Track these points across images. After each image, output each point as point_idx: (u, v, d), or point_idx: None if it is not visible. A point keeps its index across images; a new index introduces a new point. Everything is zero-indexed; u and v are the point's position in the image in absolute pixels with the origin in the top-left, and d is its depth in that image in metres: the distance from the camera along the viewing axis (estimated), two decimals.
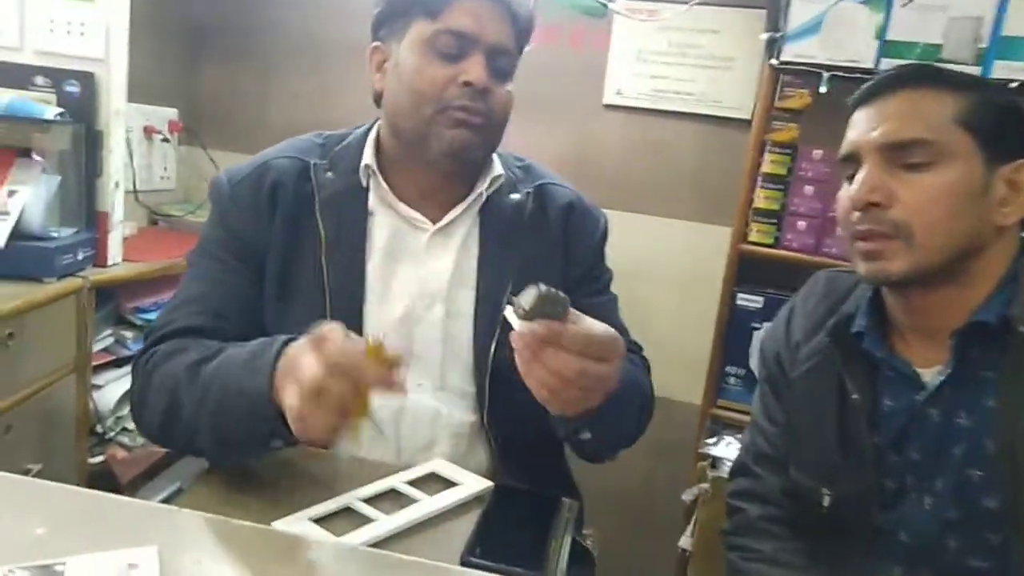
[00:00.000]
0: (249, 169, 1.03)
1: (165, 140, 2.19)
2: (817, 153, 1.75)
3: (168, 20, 2.25)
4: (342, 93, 2.24)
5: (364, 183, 1.02)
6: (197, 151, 2.30)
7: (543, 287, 0.68)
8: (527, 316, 0.68)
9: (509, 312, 0.70)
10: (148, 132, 2.17)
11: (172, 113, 2.27)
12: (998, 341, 0.84)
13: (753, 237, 1.80)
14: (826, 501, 0.95)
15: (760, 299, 1.81)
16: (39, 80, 1.63)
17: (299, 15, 2.29)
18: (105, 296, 1.75)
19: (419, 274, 1.02)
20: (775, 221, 1.79)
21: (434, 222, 1.04)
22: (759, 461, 1.07)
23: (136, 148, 2.13)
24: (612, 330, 0.70)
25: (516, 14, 0.99)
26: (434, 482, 0.91)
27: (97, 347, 1.72)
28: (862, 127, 0.88)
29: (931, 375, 0.89)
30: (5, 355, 1.39)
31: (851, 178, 0.89)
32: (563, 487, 1.10)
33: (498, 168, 1.05)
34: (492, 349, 0.99)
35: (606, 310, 1.07)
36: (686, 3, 1.87)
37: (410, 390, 0.99)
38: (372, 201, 1.02)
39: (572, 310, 0.70)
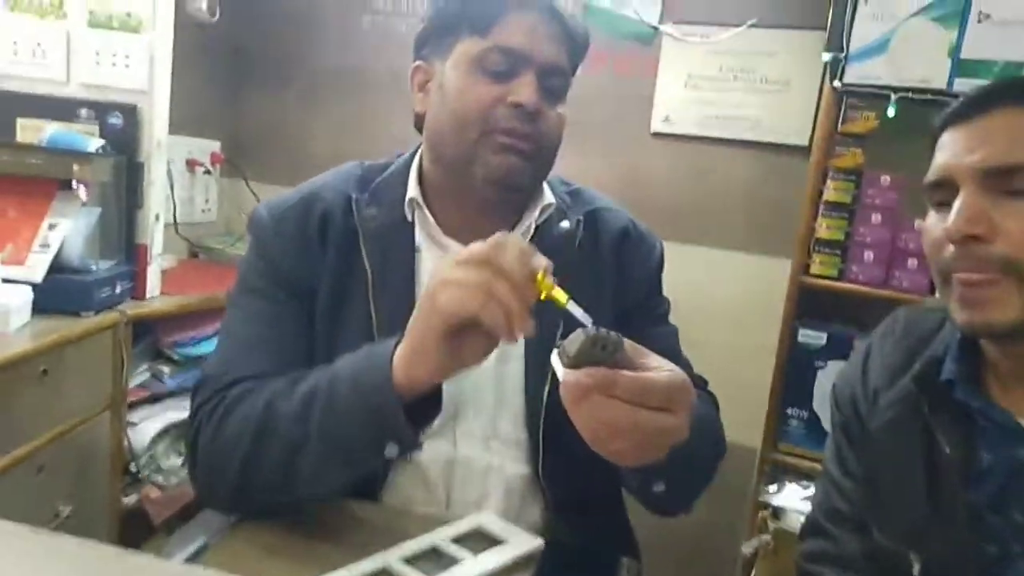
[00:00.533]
0: (295, 199, 0.97)
1: (207, 172, 2.19)
2: (885, 179, 1.65)
3: (209, 52, 2.26)
4: (386, 122, 2.22)
5: (409, 217, 0.96)
6: (239, 183, 2.29)
7: (591, 329, 0.61)
8: (573, 363, 0.61)
9: (555, 359, 0.63)
10: (191, 165, 2.17)
11: (214, 145, 2.27)
12: None
13: (815, 269, 1.71)
14: (916, 568, 0.83)
15: (823, 335, 1.70)
16: (83, 113, 1.63)
17: (340, 43, 2.29)
18: (142, 330, 1.72)
19: None
20: (839, 252, 1.69)
21: None
22: (835, 520, 0.96)
23: (178, 180, 2.13)
24: (680, 375, 0.62)
25: (570, 31, 0.92)
26: (480, 539, 0.83)
27: (133, 383, 1.69)
28: (958, 148, 0.78)
29: None
30: (40, 391, 1.36)
31: (940, 206, 0.79)
32: (622, 543, 1.01)
33: (548, 196, 0.98)
34: (545, 395, 0.91)
35: (666, 343, 0.99)
36: (740, 25, 1.80)
37: (459, 440, 0.93)
38: (419, 236, 0.96)
39: (638, 347, 0.63)
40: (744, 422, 1.85)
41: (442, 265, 0.71)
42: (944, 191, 0.79)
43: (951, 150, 0.79)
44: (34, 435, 1.37)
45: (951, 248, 0.76)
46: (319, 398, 0.77)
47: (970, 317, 0.75)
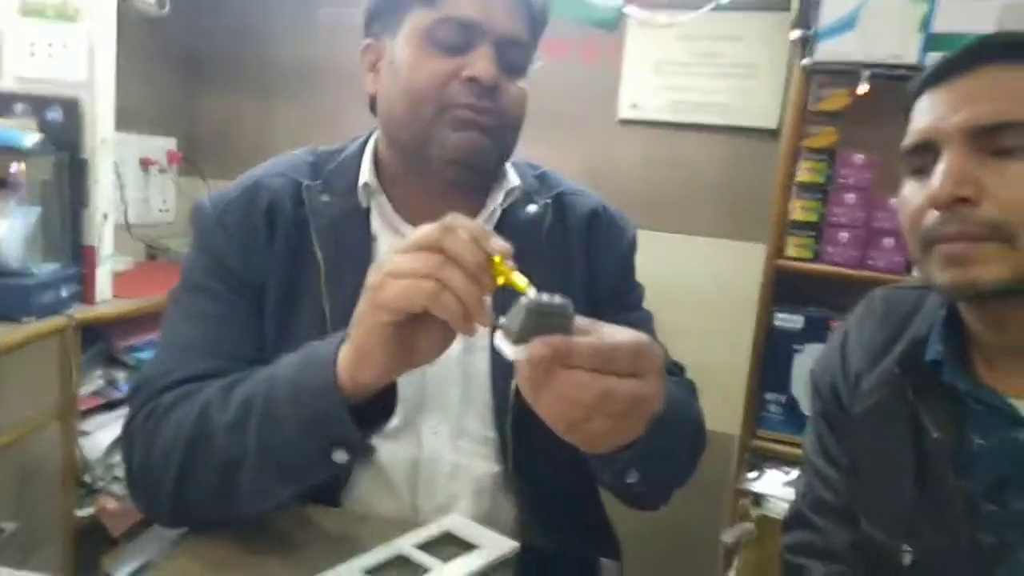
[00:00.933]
0: (238, 191, 0.90)
1: (162, 171, 2.10)
2: (858, 158, 1.62)
3: (165, 47, 2.18)
4: (347, 114, 2.15)
5: (364, 204, 0.90)
6: (197, 182, 2.20)
7: (532, 297, 0.55)
8: (520, 338, 0.54)
9: (499, 340, 0.56)
10: (145, 164, 2.08)
11: (170, 143, 2.19)
12: None
13: (790, 252, 1.67)
14: (907, 560, 0.79)
15: (800, 318, 1.67)
16: (18, 108, 1.53)
17: (297, 38, 2.22)
18: (94, 335, 1.64)
19: None
20: (814, 234, 1.66)
21: None
22: (820, 510, 0.92)
23: (132, 180, 2.04)
24: (644, 336, 0.56)
25: (527, 0, 0.87)
26: (450, 544, 0.77)
27: (85, 390, 1.60)
28: (940, 110, 0.74)
29: None
30: None
31: (918, 173, 0.75)
32: (601, 541, 0.96)
33: (513, 179, 0.93)
34: (513, 388, 0.86)
35: (641, 328, 0.95)
36: (704, 7, 1.76)
37: (424, 439, 0.88)
38: (375, 224, 0.91)
39: (590, 320, 0.57)
40: (722, 409, 1.82)
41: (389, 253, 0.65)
42: (924, 156, 0.75)
43: (932, 112, 0.75)
44: None
45: (934, 214, 0.72)
46: (256, 405, 0.71)
47: (954, 277, 0.71)
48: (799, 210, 1.65)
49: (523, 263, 0.89)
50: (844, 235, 1.64)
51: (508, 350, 0.55)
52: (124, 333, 1.69)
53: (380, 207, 0.90)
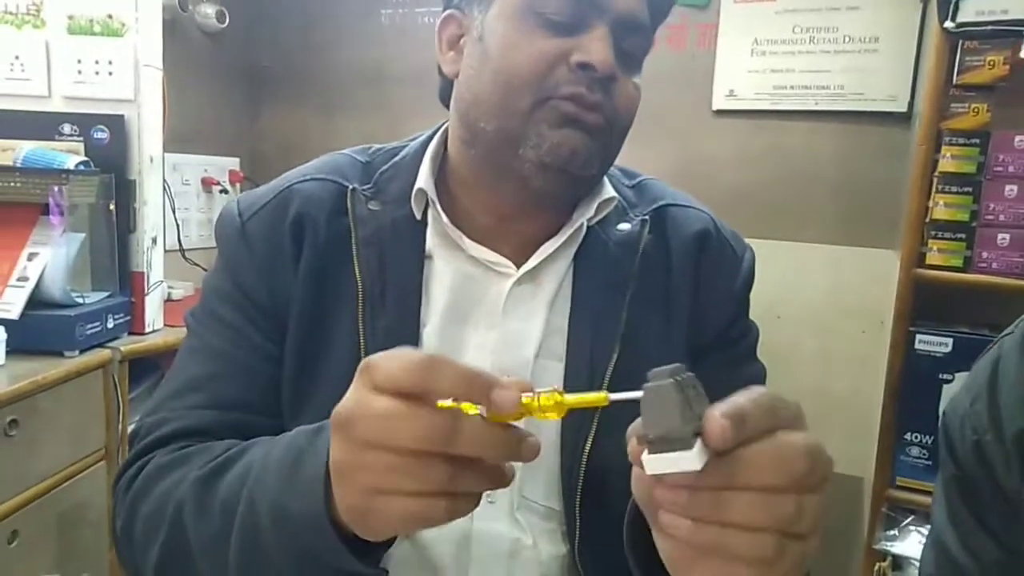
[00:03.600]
0: (268, 197, 0.76)
1: (224, 191, 2.03)
2: (1020, 140, 1.34)
3: (225, 62, 2.14)
4: (415, 121, 2.01)
5: (419, 215, 0.74)
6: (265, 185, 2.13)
7: (670, 377, 0.38)
8: (682, 440, 0.37)
9: (653, 460, 0.38)
10: (207, 183, 2.02)
11: (232, 162, 2.13)
12: None
13: (933, 259, 1.41)
14: None
15: (948, 341, 1.40)
16: (66, 128, 1.47)
17: (361, 43, 2.13)
18: (145, 367, 1.55)
19: (496, 341, 0.74)
20: (963, 236, 1.38)
21: (517, 264, 0.74)
22: None
23: (193, 201, 1.99)
24: (812, 439, 0.41)
25: None
26: None
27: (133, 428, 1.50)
28: None
29: None
30: (6, 447, 1.18)
31: None
32: None
33: (608, 190, 0.76)
34: (587, 449, 0.70)
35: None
36: None
37: (477, 510, 0.71)
38: (431, 239, 0.74)
39: (761, 393, 0.41)
40: (850, 447, 1.57)
41: (359, 397, 0.46)
42: None
43: None
44: (2, 497, 1.19)
45: None
46: (238, 526, 0.56)
47: None
48: (943, 208, 1.38)
49: (611, 295, 0.75)
50: (1003, 237, 1.37)
51: (683, 460, 0.37)
52: None
53: (436, 218, 0.74)
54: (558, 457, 0.71)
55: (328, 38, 2.15)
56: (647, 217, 0.78)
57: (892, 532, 1.38)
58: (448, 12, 0.75)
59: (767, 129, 1.74)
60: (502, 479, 0.47)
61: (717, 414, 0.37)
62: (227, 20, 1.99)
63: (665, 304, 0.76)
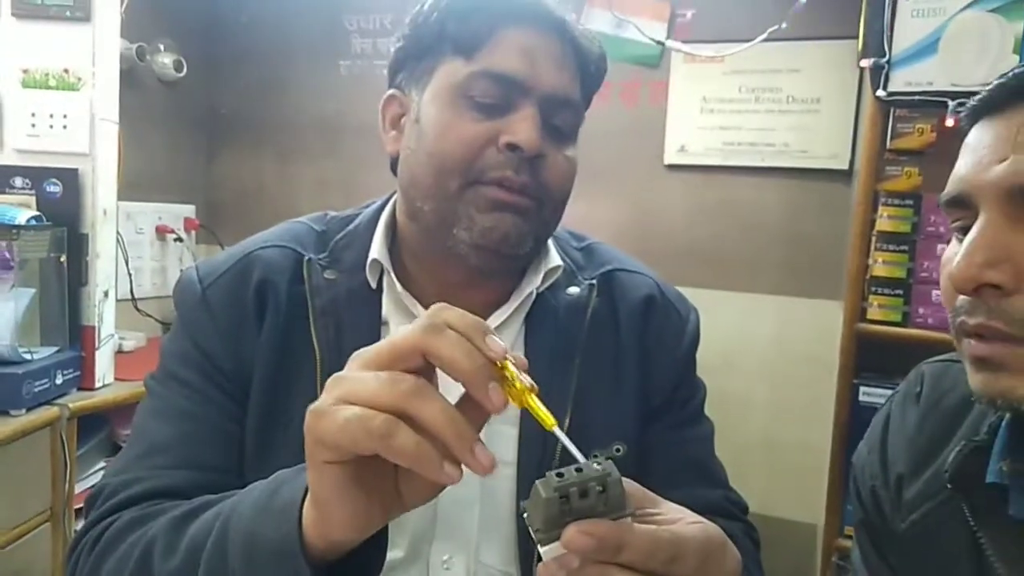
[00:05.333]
0: (228, 263, 0.76)
1: (178, 240, 2.00)
2: None
3: (183, 111, 2.13)
4: (373, 173, 2.02)
5: (374, 283, 0.75)
6: (215, 249, 2.10)
7: (555, 481, 0.40)
8: (544, 536, 0.40)
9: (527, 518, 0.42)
10: (161, 232, 2.00)
11: (188, 210, 2.11)
12: None
13: (874, 314, 1.46)
14: None
15: (891, 392, 1.41)
16: (17, 182, 1.45)
17: (318, 98, 2.14)
18: (95, 423, 1.51)
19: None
20: (901, 292, 1.44)
21: None
22: None
23: (147, 250, 1.95)
24: (716, 531, 0.45)
25: (582, 51, 0.73)
26: None
27: (83, 486, 1.46)
28: (981, 155, 0.54)
29: None
30: None
31: (963, 231, 0.55)
32: None
33: (554, 257, 0.78)
34: None
35: (696, 451, 0.79)
36: (750, 41, 1.57)
37: (434, 572, 0.73)
38: (386, 306, 0.76)
39: (643, 490, 0.45)
40: (801, 495, 1.60)
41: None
42: (964, 213, 0.55)
43: (974, 155, 0.55)
44: None
45: (962, 298, 0.53)
46: (205, 558, 0.56)
47: (983, 384, 0.53)
48: (881, 265, 1.44)
49: (561, 359, 0.75)
50: (938, 293, 1.40)
51: (546, 550, 0.41)
52: (128, 419, 1.56)
53: (392, 287, 0.75)
54: (514, 522, 0.72)
55: (286, 87, 2.16)
56: (595, 281, 0.79)
57: None
58: (391, 92, 0.77)
59: (717, 183, 1.79)
60: (445, 473, 0.44)
61: (573, 529, 0.39)
62: (184, 69, 1.99)
63: (614, 369, 0.77)
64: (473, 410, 0.45)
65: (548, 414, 0.44)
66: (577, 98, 0.73)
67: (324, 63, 2.12)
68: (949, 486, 0.62)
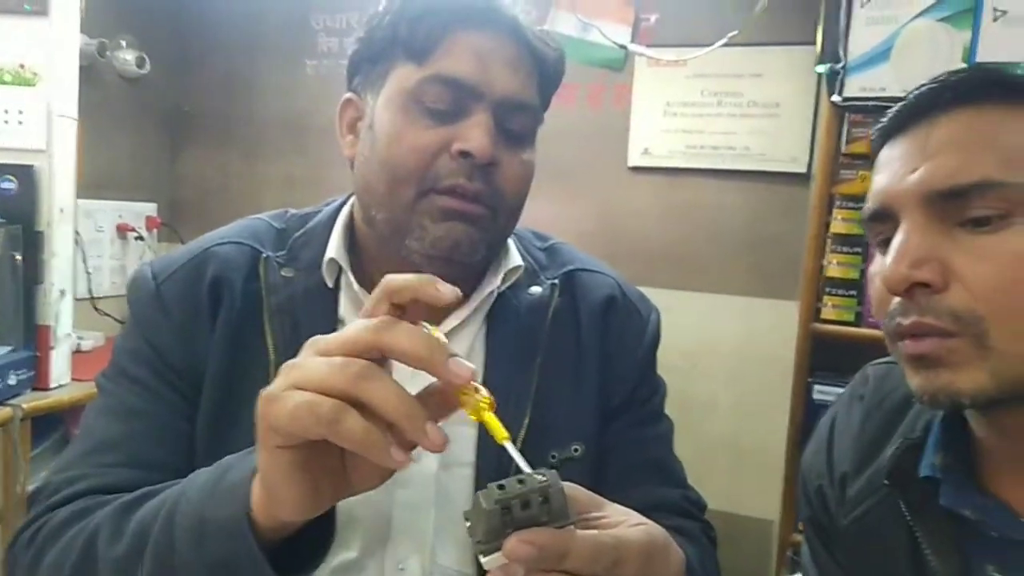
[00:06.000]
0: (183, 259, 0.75)
1: (139, 238, 1.98)
2: None
3: (146, 108, 2.10)
4: (338, 171, 2.02)
5: (331, 283, 0.75)
6: (177, 248, 2.08)
7: (496, 493, 0.40)
8: (485, 547, 0.40)
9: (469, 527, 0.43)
10: (121, 230, 1.97)
11: (150, 208, 2.08)
12: None
13: (828, 314, 1.49)
14: None
15: (843, 390, 1.45)
16: None
17: (284, 96, 2.13)
18: (50, 424, 1.49)
19: None
20: (854, 293, 1.47)
21: None
22: None
23: (107, 248, 1.93)
24: (660, 532, 0.45)
25: (538, 53, 0.72)
26: None
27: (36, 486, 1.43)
28: (895, 168, 0.58)
29: None
30: None
31: (884, 244, 0.59)
32: None
33: (515, 258, 0.78)
34: None
35: (655, 450, 0.80)
36: (711, 45, 1.60)
37: (389, 573, 0.72)
38: (343, 306, 0.75)
39: (588, 493, 0.45)
40: (760, 491, 1.62)
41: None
42: (886, 225, 0.59)
43: (889, 170, 0.59)
44: None
45: (895, 301, 0.56)
46: (152, 539, 0.56)
47: (923, 384, 0.56)
48: (836, 266, 1.47)
49: (522, 359, 0.75)
50: None
51: (488, 560, 0.41)
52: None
53: (348, 286, 0.75)
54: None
55: (251, 85, 2.14)
56: (557, 281, 0.79)
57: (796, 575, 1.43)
58: (348, 96, 0.76)
59: (680, 186, 1.82)
60: (392, 458, 0.45)
61: (514, 539, 0.40)
62: (147, 66, 1.97)
63: (575, 368, 0.77)
64: (430, 406, 0.46)
65: (500, 429, 0.44)
66: (533, 101, 0.73)
67: (290, 62, 2.10)
68: (886, 482, 0.65)
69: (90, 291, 1.81)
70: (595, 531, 0.43)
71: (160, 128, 2.16)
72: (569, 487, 0.43)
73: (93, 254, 1.84)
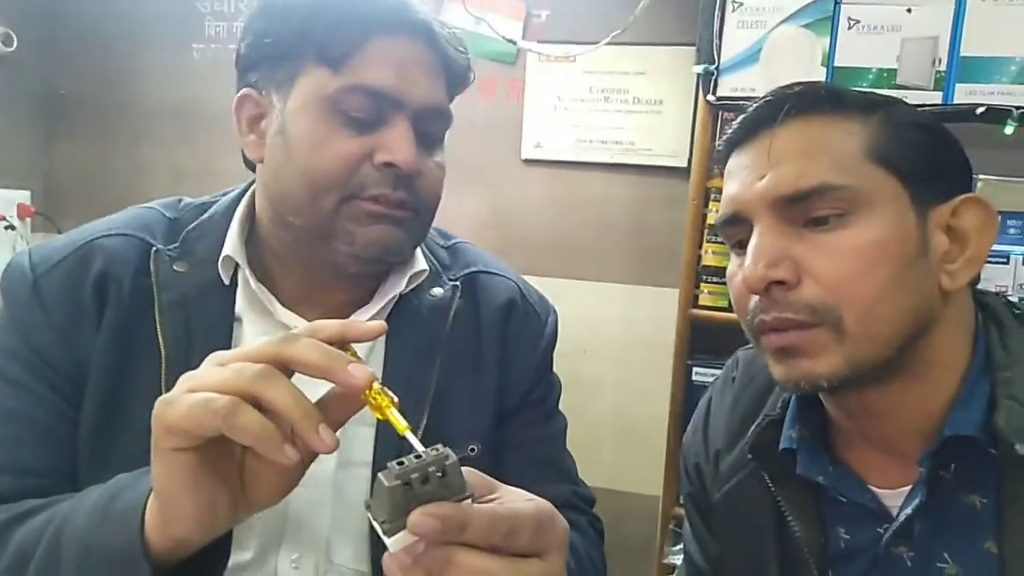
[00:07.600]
0: (66, 251, 0.71)
1: (10, 228, 1.87)
2: None
3: (15, 88, 1.98)
4: (229, 161, 1.96)
5: (227, 280, 0.73)
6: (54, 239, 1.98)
7: (396, 469, 0.42)
8: (391, 526, 0.42)
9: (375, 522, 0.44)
10: None
11: (23, 196, 1.96)
12: (981, 455, 0.61)
13: (704, 300, 1.58)
14: None
15: (719, 372, 1.55)
16: None
17: (169, 81, 2.05)
18: None
19: None
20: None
21: None
22: None
23: None
24: (548, 506, 0.48)
25: (449, 60, 0.74)
26: None
27: None
28: (744, 176, 0.64)
29: (896, 499, 0.66)
30: None
31: (739, 247, 0.65)
32: None
33: (420, 261, 0.78)
34: None
35: (548, 449, 0.83)
36: (599, 42, 1.66)
37: (282, 573, 0.72)
38: (240, 303, 0.73)
39: (482, 476, 0.47)
40: (646, 469, 1.71)
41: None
42: (740, 228, 0.65)
43: (738, 178, 0.65)
44: None
45: (755, 299, 0.62)
46: (33, 569, 0.55)
47: (785, 373, 0.62)
48: (711, 255, 1.56)
49: (422, 360, 0.75)
50: None
51: (392, 541, 0.43)
52: None
53: (246, 283, 0.73)
54: (367, 521, 0.71)
55: (133, 67, 2.05)
56: (459, 283, 0.80)
57: (678, 547, 1.52)
58: (246, 91, 0.73)
59: (570, 178, 1.87)
60: (285, 454, 0.46)
61: (417, 512, 0.41)
62: (15, 43, 1.86)
63: (474, 370, 0.78)
64: (328, 412, 0.47)
65: (401, 422, 0.46)
66: (447, 106, 0.74)
67: (176, 46, 2.03)
68: (750, 456, 0.71)
69: None
70: (491, 504, 0.45)
71: (33, 111, 2.04)
72: (466, 471, 0.45)
73: None
